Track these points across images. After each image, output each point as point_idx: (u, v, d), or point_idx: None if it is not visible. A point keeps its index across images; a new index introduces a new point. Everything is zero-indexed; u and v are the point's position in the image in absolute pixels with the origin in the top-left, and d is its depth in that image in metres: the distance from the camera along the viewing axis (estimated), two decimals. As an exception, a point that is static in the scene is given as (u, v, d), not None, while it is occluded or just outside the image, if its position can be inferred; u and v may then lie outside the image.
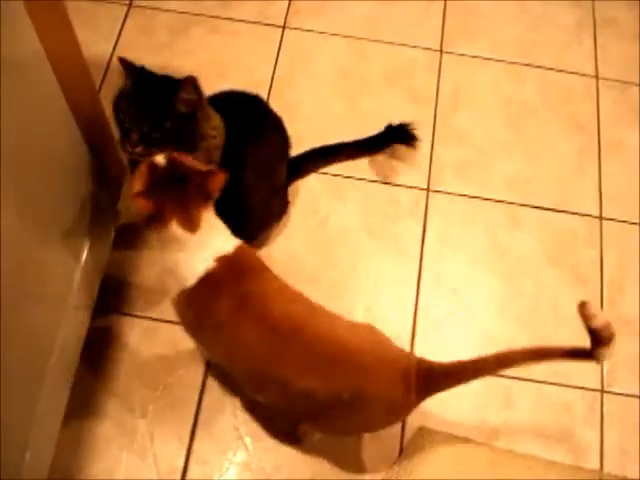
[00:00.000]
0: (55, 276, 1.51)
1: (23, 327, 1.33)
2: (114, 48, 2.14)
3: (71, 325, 1.61)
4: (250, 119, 1.62)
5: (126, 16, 2.20)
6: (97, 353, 1.71)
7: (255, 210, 1.71)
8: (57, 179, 1.46)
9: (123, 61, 1.44)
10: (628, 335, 1.85)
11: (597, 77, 2.24)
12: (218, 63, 2.14)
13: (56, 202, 1.46)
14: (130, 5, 2.22)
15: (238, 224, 1.73)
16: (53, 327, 1.51)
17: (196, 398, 1.68)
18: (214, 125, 1.49)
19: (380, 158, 2.01)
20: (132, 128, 1.40)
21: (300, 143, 1.92)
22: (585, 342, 1.78)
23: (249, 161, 1.59)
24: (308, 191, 1.95)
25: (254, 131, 1.61)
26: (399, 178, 1.99)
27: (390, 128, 1.96)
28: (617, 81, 2.24)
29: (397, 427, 1.68)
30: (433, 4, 2.32)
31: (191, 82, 1.41)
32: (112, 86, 2.00)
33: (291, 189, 1.91)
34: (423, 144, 2.02)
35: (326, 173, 1.98)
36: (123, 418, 1.65)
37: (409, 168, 2.01)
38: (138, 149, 1.41)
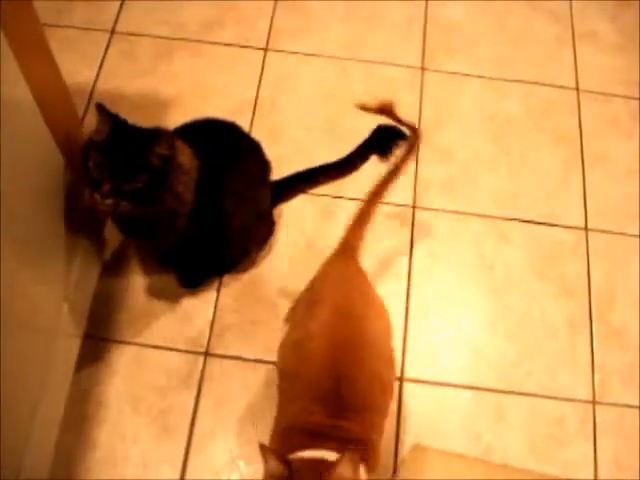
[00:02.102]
0: (43, 306, 1.51)
1: (12, 358, 1.32)
2: (97, 75, 2.15)
3: (61, 354, 1.60)
4: (227, 147, 1.62)
5: (109, 43, 2.21)
6: (87, 380, 1.70)
7: (237, 236, 1.71)
8: (44, 211, 1.47)
9: (100, 108, 1.40)
10: (618, 346, 1.85)
11: (578, 90, 2.26)
12: (201, 87, 2.15)
13: (42, 234, 1.46)
14: (112, 32, 2.23)
15: (221, 250, 1.74)
16: (43, 357, 1.51)
17: (188, 423, 1.67)
18: (186, 169, 1.47)
19: (363, 176, 2.01)
20: (104, 179, 1.37)
21: (285, 164, 1.93)
22: (571, 353, 1.80)
23: (227, 188, 1.60)
24: (294, 211, 1.96)
25: (231, 158, 1.61)
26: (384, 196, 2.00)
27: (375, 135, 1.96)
28: (598, 93, 2.26)
29: (390, 445, 1.68)
30: (413, 23, 2.34)
31: (168, 138, 1.41)
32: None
33: (276, 210, 1.92)
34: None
35: (312, 193, 1.99)
36: (115, 445, 1.64)
37: (394, 186, 2.02)
38: (108, 201, 1.38)
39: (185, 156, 1.46)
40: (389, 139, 1.95)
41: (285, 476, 1.08)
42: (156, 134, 1.41)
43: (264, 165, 1.73)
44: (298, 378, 1.29)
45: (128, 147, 1.38)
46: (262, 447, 1.10)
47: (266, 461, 1.10)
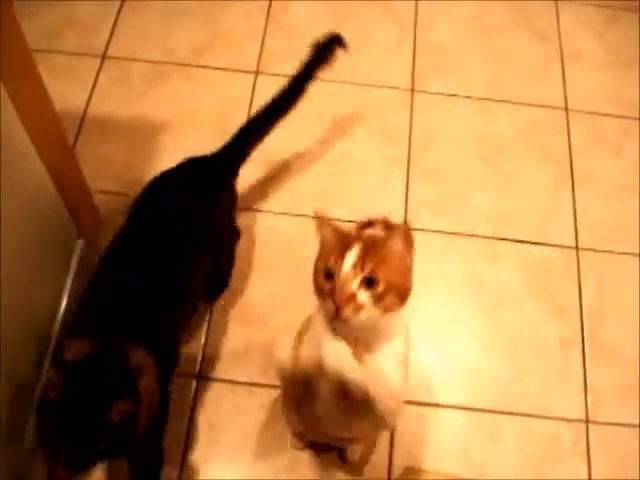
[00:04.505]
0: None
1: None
2: (89, 99, 2.16)
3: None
4: (197, 188, 1.56)
5: (100, 68, 2.22)
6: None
7: (231, 260, 1.77)
8: (37, 244, 1.47)
9: (56, 359, 1.28)
10: (610, 364, 1.85)
11: (567, 109, 2.28)
12: (194, 111, 2.16)
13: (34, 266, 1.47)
14: (104, 57, 2.25)
15: (223, 279, 1.77)
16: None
17: (181, 448, 1.66)
18: (150, 387, 1.29)
19: (357, 197, 2.03)
20: (60, 447, 1.19)
21: (274, 184, 1.99)
22: (563, 373, 1.80)
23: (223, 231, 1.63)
24: (284, 233, 1.96)
25: (208, 200, 1.57)
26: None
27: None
28: (586, 112, 2.28)
29: (384, 466, 1.68)
30: (402, 45, 2.36)
31: (127, 402, 1.21)
32: (88, 138, 2.04)
33: (268, 231, 1.96)
34: (398, 183, 2.06)
35: (304, 215, 1.99)
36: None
37: (385, 207, 2.02)
38: (66, 471, 1.21)
39: (148, 373, 1.29)
40: (326, 48, 1.84)
41: (337, 240, 1.14)
42: (118, 388, 1.22)
43: (232, 195, 1.69)
44: None
45: (85, 407, 1.19)
46: (316, 214, 1.19)
47: (320, 227, 1.18)
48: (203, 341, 1.79)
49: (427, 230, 2.00)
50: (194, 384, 1.74)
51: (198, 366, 1.76)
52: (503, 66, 2.35)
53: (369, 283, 1.08)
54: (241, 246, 1.88)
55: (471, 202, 2.07)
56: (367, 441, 1.58)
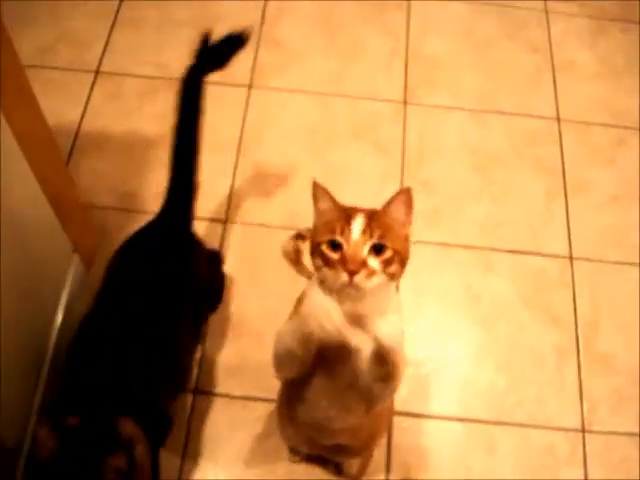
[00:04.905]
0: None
1: None
2: (83, 115, 2.16)
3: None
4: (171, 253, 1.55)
5: (94, 83, 2.23)
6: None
7: (221, 280, 1.80)
8: (31, 260, 1.47)
9: (45, 420, 1.20)
10: (606, 373, 1.86)
11: (559, 119, 2.29)
12: (186, 125, 2.16)
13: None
14: (97, 72, 2.25)
15: (217, 296, 1.80)
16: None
17: (178, 462, 1.66)
18: (142, 458, 1.25)
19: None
20: None
21: (269, 199, 1.98)
22: (559, 382, 1.80)
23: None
24: (277, 246, 1.96)
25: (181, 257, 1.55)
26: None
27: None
28: (579, 122, 2.29)
29: (381, 478, 1.68)
30: (395, 57, 2.37)
31: (125, 445, 1.20)
32: (82, 153, 2.05)
33: (261, 245, 1.96)
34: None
35: (297, 229, 1.99)
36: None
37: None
38: None
39: (140, 442, 1.26)
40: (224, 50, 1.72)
41: (338, 212, 1.15)
42: (111, 446, 1.20)
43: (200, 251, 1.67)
44: None
45: (79, 464, 1.16)
46: (315, 185, 1.19)
47: (318, 199, 1.18)
48: (199, 356, 1.79)
49: (422, 242, 2.01)
50: (191, 398, 1.74)
51: (195, 380, 1.76)
52: (495, 77, 2.36)
53: (377, 250, 1.09)
54: (235, 260, 1.89)
55: (465, 213, 2.08)
56: (364, 453, 1.58)
